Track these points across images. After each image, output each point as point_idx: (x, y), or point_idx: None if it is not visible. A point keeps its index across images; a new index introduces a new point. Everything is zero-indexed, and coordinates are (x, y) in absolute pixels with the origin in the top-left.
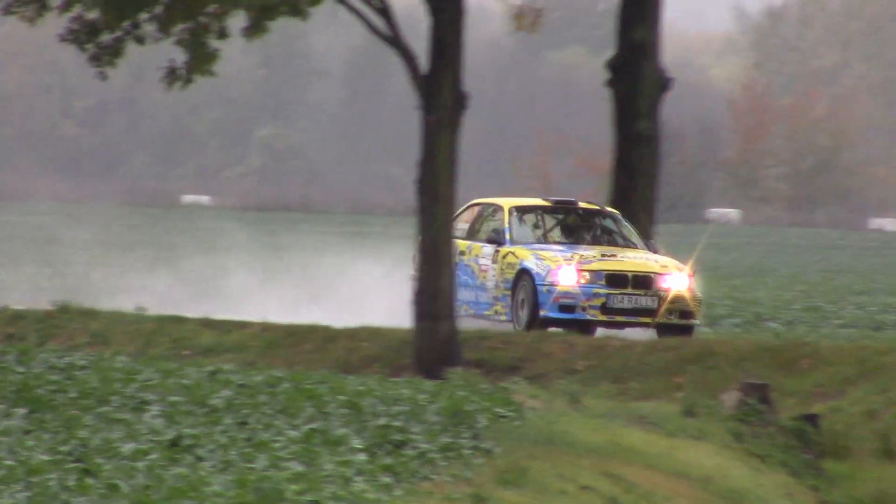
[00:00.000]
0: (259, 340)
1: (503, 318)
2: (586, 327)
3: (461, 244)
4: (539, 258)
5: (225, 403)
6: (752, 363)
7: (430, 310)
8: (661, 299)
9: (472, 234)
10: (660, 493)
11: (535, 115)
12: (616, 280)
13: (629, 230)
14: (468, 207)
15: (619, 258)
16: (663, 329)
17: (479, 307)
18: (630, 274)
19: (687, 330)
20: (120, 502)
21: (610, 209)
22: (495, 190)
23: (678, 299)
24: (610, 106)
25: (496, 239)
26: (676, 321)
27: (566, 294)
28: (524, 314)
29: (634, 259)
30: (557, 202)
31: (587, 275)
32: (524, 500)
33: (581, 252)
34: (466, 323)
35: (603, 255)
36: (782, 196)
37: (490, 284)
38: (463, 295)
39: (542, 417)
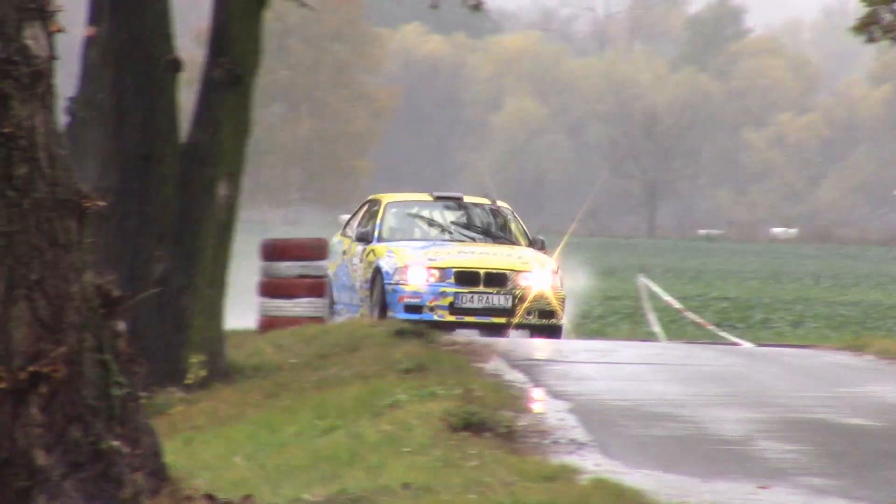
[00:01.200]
0: None
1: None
2: (441, 328)
3: (346, 243)
4: (391, 255)
5: None
6: None
7: None
8: (516, 298)
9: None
10: None
11: None
12: (466, 278)
13: (517, 226)
14: (364, 204)
15: (476, 255)
16: (530, 330)
17: (351, 309)
18: (482, 271)
19: (553, 331)
20: None
21: (501, 204)
22: None
23: (538, 298)
24: None
25: (364, 237)
26: (536, 321)
27: (412, 293)
28: (375, 315)
29: (491, 256)
30: (440, 197)
31: (436, 272)
32: None
33: (437, 248)
34: None
35: (460, 252)
36: None
37: (357, 284)
38: (342, 296)
39: None
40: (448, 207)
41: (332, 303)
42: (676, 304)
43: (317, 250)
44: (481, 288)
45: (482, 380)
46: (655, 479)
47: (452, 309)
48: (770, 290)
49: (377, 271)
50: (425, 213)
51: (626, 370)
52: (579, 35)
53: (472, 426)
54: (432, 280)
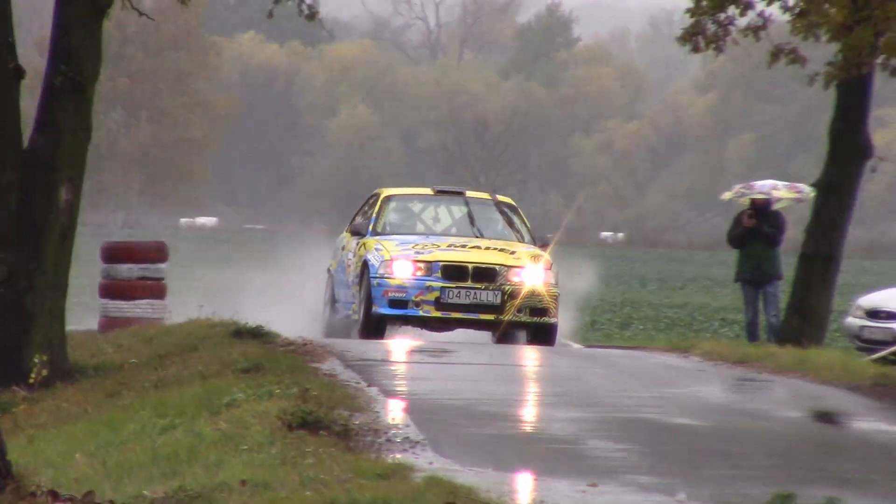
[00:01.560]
0: None
1: (356, 317)
2: (426, 325)
3: (346, 238)
4: (378, 249)
5: None
6: None
7: None
8: (505, 294)
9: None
10: None
11: None
12: (453, 272)
13: (519, 221)
14: (369, 198)
15: (466, 249)
16: (519, 327)
17: (347, 306)
18: (470, 266)
19: (546, 329)
20: None
21: (504, 199)
22: None
23: (530, 295)
24: None
25: (358, 230)
26: (527, 319)
27: (397, 287)
28: (362, 311)
29: (483, 250)
30: (441, 191)
31: (423, 266)
32: None
33: (427, 242)
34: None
35: (451, 246)
36: None
37: (350, 280)
38: (341, 294)
39: None
40: (449, 202)
41: (334, 300)
42: None
43: (157, 253)
44: (469, 283)
45: (318, 379)
46: (487, 477)
47: (438, 304)
48: (598, 293)
49: (365, 265)
50: (424, 206)
51: (459, 370)
52: (411, 44)
53: (308, 425)
54: (419, 274)
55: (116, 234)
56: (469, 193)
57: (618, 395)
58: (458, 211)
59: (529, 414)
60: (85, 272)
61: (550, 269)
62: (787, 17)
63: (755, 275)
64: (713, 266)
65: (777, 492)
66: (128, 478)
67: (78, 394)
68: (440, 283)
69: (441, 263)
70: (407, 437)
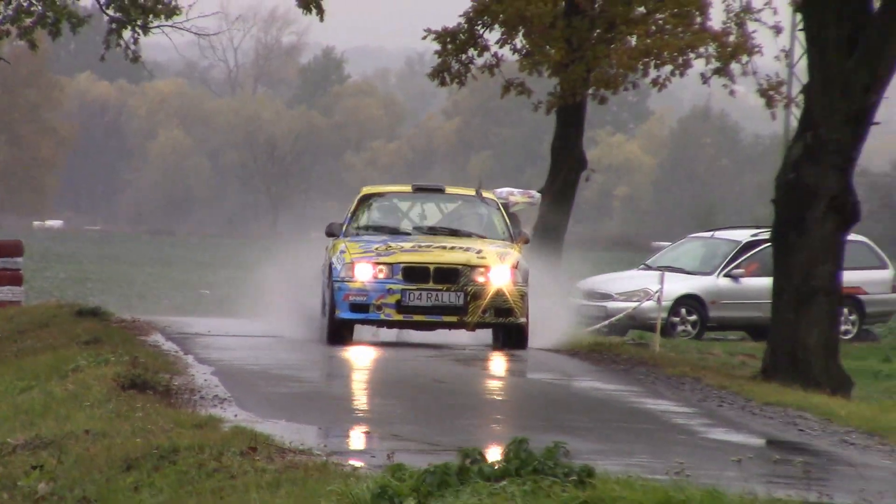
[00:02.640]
0: None
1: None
2: (390, 328)
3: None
4: (343, 251)
5: None
6: None
7: None
8: (468, 295)
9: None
10: None
11: None
12: (414, 274)
13: (498, 218)
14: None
15: (430, 249)
16: (493, 330)
17: (322, 309)
18: (431, 267)
19: (515, 330)
20: None
21: (486, 195)
22: None
23: (495, 295)
24: None
25: (332, 231)
26: (492, 320)
27: (358, 291)
28: (326, 315)
29: (447, 250)
30: (420, 188)
31: (384, 268)
32: None
33: (392, 243)
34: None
35: (415, 247)
36: None
37: (324, 281)
38: (324, 295)
39: None
40: (427, 199)
41: (323, 302)
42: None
43: (14, 249)
44: (430, 285)
45: (145, 349)
46: (281, 427)
47: (400, 307)
48: None
49: (330, 268)
50: (402, 204)
51: (258, 342)
52: (216, 81)
53: (137, 385)
54: (380, 276)
55: None
56: (449, 189)
57: (391, 361)
58: (436, 208)
59: (314, 376)
60: None
61: (518, 267)
62: (515, 57)
63: None
64: None
65: (515, 437)
66: None
67: None
68: (401, 286)
69: (402, 265)
70: (216, 395)
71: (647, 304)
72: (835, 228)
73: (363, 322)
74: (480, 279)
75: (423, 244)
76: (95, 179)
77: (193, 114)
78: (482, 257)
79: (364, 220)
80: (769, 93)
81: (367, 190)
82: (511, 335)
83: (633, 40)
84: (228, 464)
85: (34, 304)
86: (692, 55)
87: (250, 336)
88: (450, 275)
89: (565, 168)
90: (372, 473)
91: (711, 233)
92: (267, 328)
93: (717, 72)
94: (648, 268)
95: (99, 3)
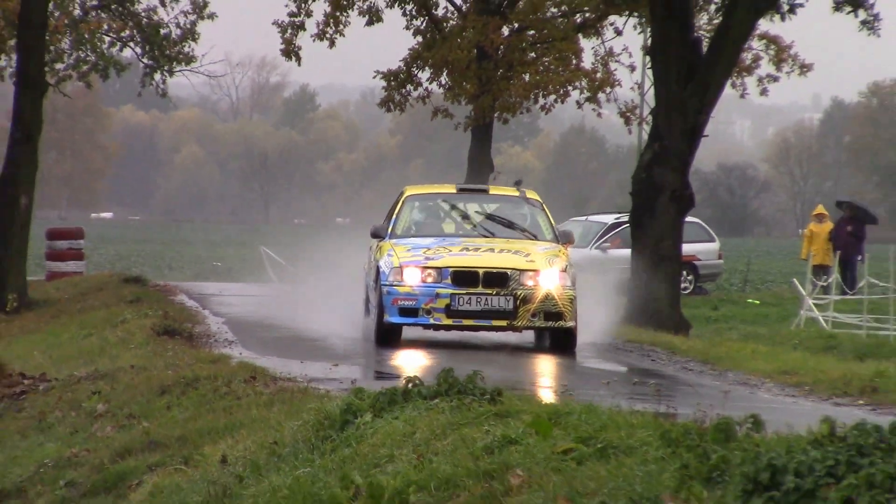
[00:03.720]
0: None
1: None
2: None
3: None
4: (390, 254)
5: None
6: None
7: None
8: (518, 299)
9: None
10: None
11: None
12: (463, 278)
13: (543, 219)
14: (398, 196)
15: (478, 253)
16: (537, 335)
17: (373, 310)
18: (480, 271)
19: (564, 335)
20: None
21: (530, 194)
22: None
23: (544, 299)
24: None
25: (378, 233)
26: (541, 324)
27: (407, 296)
28: (374, 319)
29: (496, 254)
30: (463, 189)
31: (432, 273)
32: None
33: (440, 246)
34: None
35: (464, 250)
36: None
37: (372, 284)
38: (370, 296)
39: None
40: (473, 200)
41: (368, 302)
42: (281, 261)
43: (77, 233)
44: (480, 289)
45: (174, 306)
46: (274, 362)
47: (449, 312)
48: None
49: (377, 272)
50: (447, 205)
51: (254, 300)
52: (222, 110)
53: (168, 332)
54: (428, 280)
55: (55, 223)
56: (493, 190)
57: (331, 311)
58: (481, 209)
59: (296, 324)
60: (38, 245)
61: (566, 270)
62: (441, 90)
63: None
64: None
65: (444, 368)
66: (65, 365)
67: (35, 316)
68: (450, 290)
69: (451, 269)
70: (226, 339)
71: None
72: (676, 213)
73: (412, 325)
74: (529, 283)
75: (470, 247)
76: (136, 182)
77: (207, 134)
78: (531, 261)
79: (409, 220)
80: (626, 114)
81: (410, 190)
82: (559, 338)
83: (527, 77)
84: (235, 389)
85: (92, 274)
86: (570, 88)
87: (250, 296)
88: (499, 279)
89: (478, 171)
90: (340, 394)
91: (586, 217)
92: (262, 290)
93: (588, 100)
94: None
95: (136, 53)
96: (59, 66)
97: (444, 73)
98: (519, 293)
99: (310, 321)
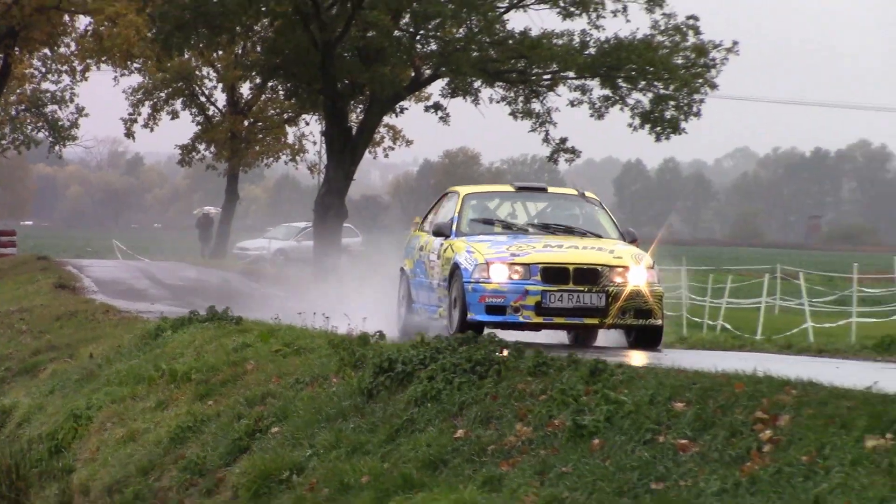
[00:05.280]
0: None
1: (446, 321)
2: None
3: (423, 238)
4: (470, 251)
5: None
6: None
7: None
8: (610, 296)
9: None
10: None
11: None
12: (554, 275)
13: (606, 217)
14: (441, 197)
15: (563, 249)
16: (625, 332)
17: (430, 308)
18: (571, 267)
19: (652, 331)
20: None
21: (589, 194)
22: None
23: (634, 296)
24: None
25: (442, 231)
26: (632, 321)
27: (494, 293)
28: (456, 317)
29: (582, 250)
30: (522, 188)
31: (520, 269)
32: None
33: (521, 243)
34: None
35: (546, 246)
36: None
37: (435, 283)
38: (421, 295)
39: None
40: (531, 199)
41: (410, 300)
42: (125, 248)
43: (12, 232)
44: (570, 286)
45: (65, 272)
46: (119, 303)
47: (539, 309)
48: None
49: (455, 268)
50: (507, 204)
51: (109, 269)
52: (93, 164)
53: (62, 286)
54: (516, 277)
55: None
56: (551, 189)
57: (173, 276)
58: (542, 208)
59: (132, 282)
60: None
61: (653, 267)
62: (211, 154)
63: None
64: None
65: (210, 305)
66: (4, 304)
67: None
68: (540, 287)
69: (540, 266)
70: (94, 290)
71: (264, 252)
72: (337, 222)
73: (500, 325)
74: (618, 279)
75: (552, 243)
76: (46, 203)
77: (85, 179)
78: (618, 257)
79: (473, 219)
80: (311, 167)
81: (468, 190)
82: (647, 336)
83: (258, 148)
84: (98, 317)
85: (20, 255)
86: (281, 153)
87: (107, 267)
88: (590, 275)
89: (228, 199)
90: (154, 320)
91: (289, 224)
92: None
93: (292, 160)
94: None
95: (45, 135)
96: (3, 141)
97: (213, 146)
98: (610, 290)
99: (138, 281)
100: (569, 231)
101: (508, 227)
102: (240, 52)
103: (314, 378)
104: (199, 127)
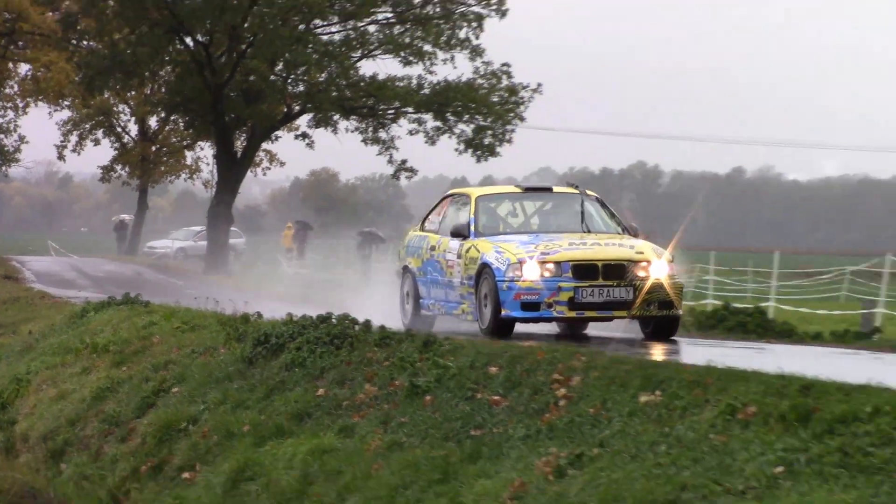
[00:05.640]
0: None
1: (469, 317)
2: (561, 324)
3: (432, 238)
4: (499, 251)
5: None
6: None
7: None
8: (636, 289)
9: (444, 228)
10: None
11: None
12: (584, 271)
13: (611, 214)
14: (443, 199)
15: (589, 246)
16: (644, 322)
17: (448, 306)
18: (600, 263)
19: (671, 322)
20: None
21: (590, 193)
22: None
23: (656, 288)
24: None
25: (460, 232)
26: (656, 312)
27: (528, 290)
28: (488, 313)
29: (606, 246)
30: (529, 188)
31: (551, 267)
32: None
33: (546, 242)
34: (439, 322)
35: (571, 244)
36: None
37: (456, 281)
38: (434, 292)
39: None
40: (538, 198)
41: (417, 297)
42: (58, 247)
43: None
44: (600, 281)
45: (9, 266)
46: (55, 290)
47: (572, 304)
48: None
49: (484, 267)
50: (517, 205)
51: (45, 264)
52: (33, 181)
53: (7, 277)
54: (547, 275)
55: None
56: (556, 189)
57: (91, 265)
58: (549, 206)
59: (63, 275)
60: None
61: (672, 261)
62: (126, 173)
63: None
64: None
65: (125, 292)
66: None
67: None
68: (572, 283)
69: (571, 263)
70: (34, 281)
71: (168, 250)
72: (226, 226)
73: (534, 320)
74: (641, 273)
75: (575, 241)
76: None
77: (26, 193)
78: (640, 252)
79: (491, 220)
80: (206, 184)
81: (479, 192)
82: (664, 326)
83: (163, 168)
84: (35, 301)
85: None
86: (182, 172)
87: (44, 262)
88: (617, 270)
89: (140, 207)
90: (80, 304)
91: (188, 228)
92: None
93: (190, 177)
94: (171, 239)
95: None
96: None
97: (127, 166)
98: (637, 283)
99: (68, 273)
100: (582, 228)
101: (522, 227)
102: (149, 92)
103: (206, 349)
104: (117, 151)
